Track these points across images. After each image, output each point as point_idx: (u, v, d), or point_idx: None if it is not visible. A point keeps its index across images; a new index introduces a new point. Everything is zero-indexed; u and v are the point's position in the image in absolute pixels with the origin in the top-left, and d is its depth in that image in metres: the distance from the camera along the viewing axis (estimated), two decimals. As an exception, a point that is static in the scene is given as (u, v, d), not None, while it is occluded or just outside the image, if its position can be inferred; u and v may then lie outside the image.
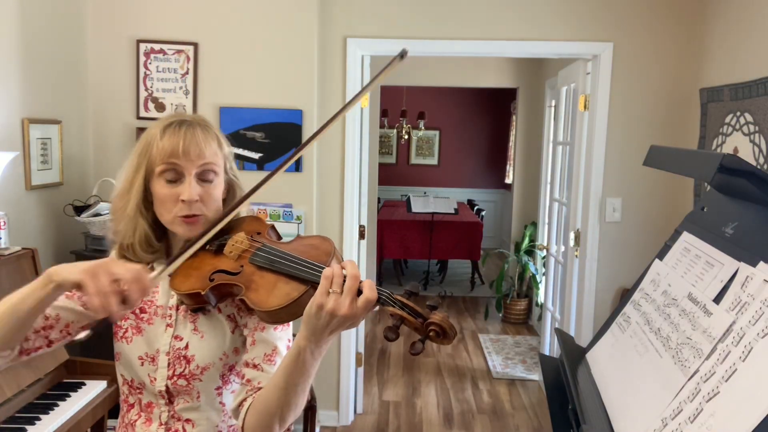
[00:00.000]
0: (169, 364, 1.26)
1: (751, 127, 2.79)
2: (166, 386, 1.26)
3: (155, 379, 1.26)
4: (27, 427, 2.08)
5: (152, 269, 1.27)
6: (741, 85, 2.88)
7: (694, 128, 3.36)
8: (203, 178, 1.25)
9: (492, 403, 4.15)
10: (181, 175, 1.23)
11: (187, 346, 1.25)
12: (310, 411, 3.12)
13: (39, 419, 2.14)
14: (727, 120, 3.00)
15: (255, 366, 1.21)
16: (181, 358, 1.25)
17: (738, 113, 2.91)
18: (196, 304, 1.22)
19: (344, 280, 1.00)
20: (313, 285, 1.06)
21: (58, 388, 2.40)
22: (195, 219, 1.24)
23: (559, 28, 3.42)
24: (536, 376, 4.56)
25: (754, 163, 2.75)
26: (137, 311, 1.28)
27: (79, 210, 2.96)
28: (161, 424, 1.28)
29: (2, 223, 2.37)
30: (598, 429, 1.04)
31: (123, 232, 1.27)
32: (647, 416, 0.95)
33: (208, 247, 1.24)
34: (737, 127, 2.91)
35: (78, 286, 1.03)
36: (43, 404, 2.25)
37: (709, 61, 3.27)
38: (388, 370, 4.68)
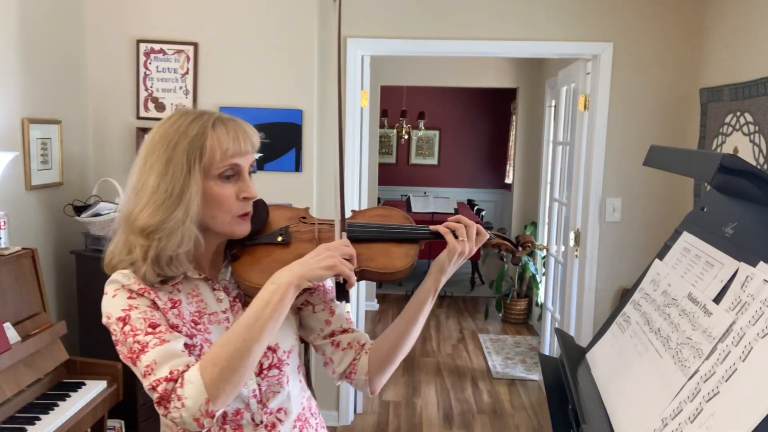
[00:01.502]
0: None
1: (751, 127, 2.79)
2: (258, 383, 1.24)
3: (245, 382, 1.20)
4: (27, 427, 2.08)
5: (187, 279, 1.22)
6: (741, 85, 2.88)
7: (694, 128, 3.36)
8: (249, 171, 1.24)
9: (492, 403, 4.15)
10: (237, 173, 1.20)
11: None
12: (310, 411, 3.14)
13: (39, 419, 2.14)
14: (727, 120, 3.00)
15: (345, 331, 1.34)
16: (266, 350, 1.23)
17: (738, 113, 2.91)
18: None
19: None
20: (418, 242, 1.28)
21: (58, 388, 2.40)
22: (249, 215, 1.23)
23: (559, 28, 3.42)
24: (536, 376, 4.56)
25: (754, 163, 2.75)
26: (192, 323, 1.20)
27: (79, 210, 2.96)
28: (256, 425, 1.24)
29: (2, 223, 2.37)
30: (598, 429, 1.04)
31: (163, 246, 1.14)
32: (647, 416, 0.95)
33: (281, 239, 1.26)
34: (737, 127, 2.91)
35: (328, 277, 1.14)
36: (43, 404, 2.26)
37: (709, 61, 3.27)
38: (388, 370, 4.67)
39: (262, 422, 1.24)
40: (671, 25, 3.39)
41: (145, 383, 1.09)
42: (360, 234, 1.26)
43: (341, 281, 1.16)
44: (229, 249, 1.27)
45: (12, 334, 2.22)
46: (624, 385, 1.09)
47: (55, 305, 2.99)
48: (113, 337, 1.15)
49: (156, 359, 1.08)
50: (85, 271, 2.95)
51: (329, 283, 1.37)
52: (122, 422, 2.79)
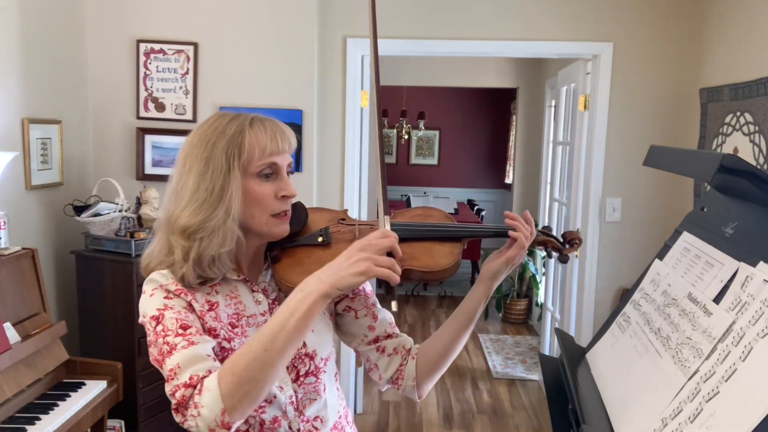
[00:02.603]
0: (288, 369, 1.21)
1: (751, 127, 2.79)
2: (294, 390, 1.22)
3: (282, 387, 1.21)
4: (27, 427, 2.08)
5: (225, 280, 1.21)
6: (741, 85, 2.88)
7: (694, 128, 3.36)
8: (288, 171, 1.23)
9: (492, 403, 4.15)
10: (275, 172, 1.20)
11: (304, 344, 1.23)
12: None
13: (39, 419, 2.14)
14: (727, 120, 3.00)
15: (389, 336, 1.32)
16: (303, 357, 1.22)
17: (738, 113, 2.91)
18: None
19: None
20: (461, 241, 1.26)
21: (58, 388, 2.40)
22: (288, 216, 1.22)
23: (559, 28, 3.42)
24: (536, 376, 4.56)
25: (754, 163, 2.75)
26: (230, 326, 1.18)
27: (79, 210, 2.96)
28: None
29: (2, 223, 2.37)
30: (598, 429, 1.04)
31: (205, 246, 1.14)
32: (647, 416, 0.95)
33: (321, 240, 1.25)
34: (737, 127, 2.91)
35: (363, 280, 1.06)
36: (43, 404, 2.26)
37: (709, 61, 3.27)
38: (388, 370, 4.67)
39: (299, 430, 1.23)
40: (671, 25, 3.39)
41: (167, 388, 1.07)
42: (402, 233, 1.23)
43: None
44: (270, 251, 1.26)
45: (12, 334, 2.22)
46: (624, 385, 1.09)
47: (55, 305, 2.99)
48: (147, 338, 1.14)
49: (180, 363, 1.05)
50: (85, 271, 2.95)
51: (369, 287, 1.35)
52: (122, 422, 2.79)
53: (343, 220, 1.31)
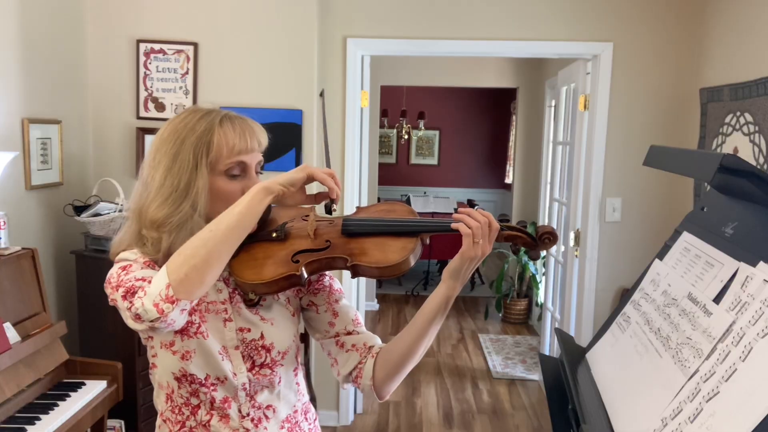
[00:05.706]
0: (244, 358, 1.24)
1: (751, 127, 2.79)
2: (248, 378, 1.24)
3: (236, 374, 1.23)
4: (27, 427, 2.08)
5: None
6: (741, 85, 2.88)
7: (694, 128, 3.36)
8: (257, 169, 1.26)
9: (492, 403, 4.15)
10: (243, 171, 1.23)
11: (262, 336, 1.25)
12: (310, 411, 3.13)
13: (39, 419, 2.14)
14: (727, 120, 3.00)
15: (350, 333, 1.32)
16: (260, 348, 1.25)
17: (738, 113, 2.91)
18: (280, 290, 1.22)
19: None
20: (419, 236, 1.22)
21: (58, 388, 2.40)
22: None
23: (559, 28, 3.42)
24: (536, 376, 4.56)
25: (754, 163, 2.75)
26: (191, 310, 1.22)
27: (79, 210, 2.96)
28: (243, 417, 1.25)
29: (2, 223, 2.37)
30: (598, 429, 1.04)
31: (174, 240, 1.18)
32: (647, 416, 0.95)
33: (275, 235, 1.25)
34: (737, 127, 2.91)
35: (305, 182, 1.18)
36: (43, 404, 2.26)
37: (709, 61, 3.27)
38: (388, 370, 4.67)
39: (248, 415, 1.26)
40: (671, 25, 3.39)
41: (120, 291, 1.12)
42: (355, 228, 1.24)
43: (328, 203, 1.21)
44: None
45: (12, 334, 2.22)
46: (624, 385, 1.09)
47: (55, 305, 2.99)
48: (109, 285, 1.16)
49: (137, 276, 1.13)
50: (85, 271, 2.95)
51: (336, 284, 1.37)
52: (122, 422, 2.79)
53: (306, 216, 1.31)
